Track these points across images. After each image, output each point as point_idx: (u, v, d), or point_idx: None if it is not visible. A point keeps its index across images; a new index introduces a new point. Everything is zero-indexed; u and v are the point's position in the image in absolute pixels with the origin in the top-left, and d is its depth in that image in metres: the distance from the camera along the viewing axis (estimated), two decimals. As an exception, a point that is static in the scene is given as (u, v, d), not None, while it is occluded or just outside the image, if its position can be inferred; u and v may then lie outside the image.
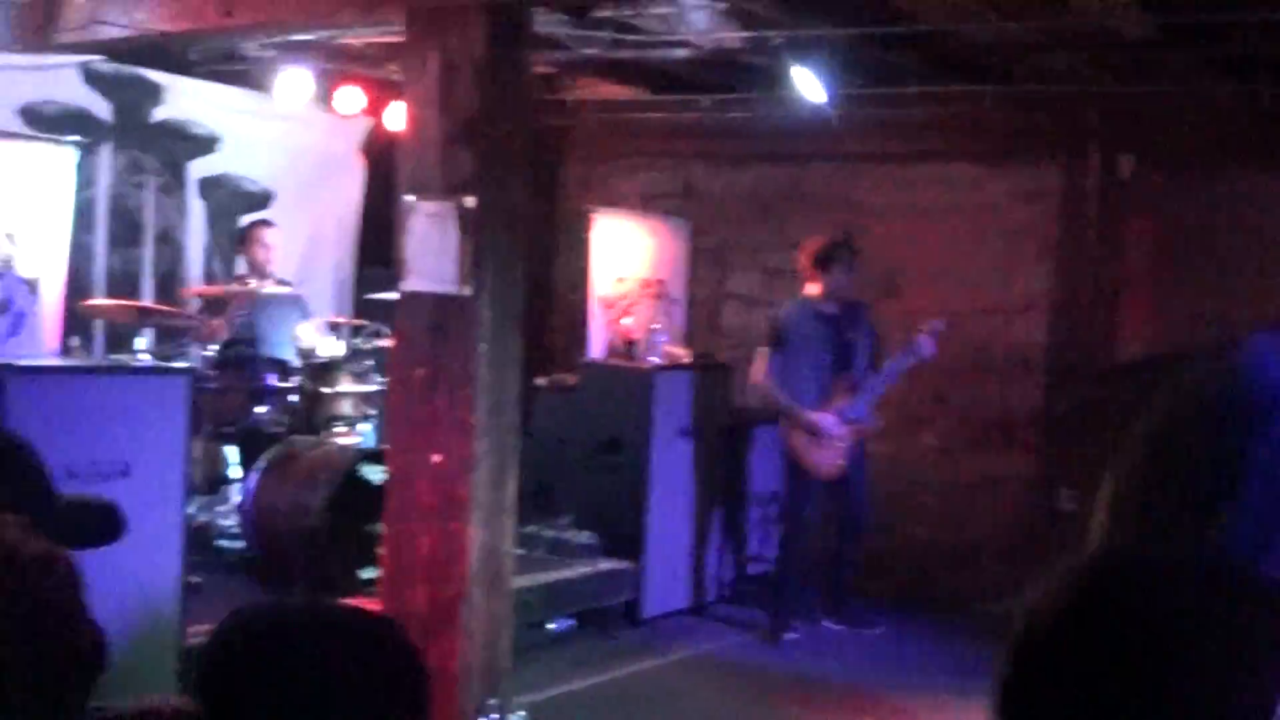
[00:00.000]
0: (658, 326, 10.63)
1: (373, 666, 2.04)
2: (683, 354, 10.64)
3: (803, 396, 9.53)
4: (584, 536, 9.68)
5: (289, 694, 1.95)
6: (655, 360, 10.19)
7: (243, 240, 10.31)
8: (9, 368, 6.76)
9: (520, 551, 8.02)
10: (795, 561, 9.69)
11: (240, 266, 10.46)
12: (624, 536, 9.64)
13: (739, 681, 8.71)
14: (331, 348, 9.65)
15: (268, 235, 10.24)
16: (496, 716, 6.72)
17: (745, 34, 8.99)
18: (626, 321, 11.13)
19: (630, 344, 10.70)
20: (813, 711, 8.26)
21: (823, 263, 9.60)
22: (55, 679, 1.13)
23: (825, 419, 9.51)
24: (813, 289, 9.64)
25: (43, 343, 8.12)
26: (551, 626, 9.07)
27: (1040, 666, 1.32)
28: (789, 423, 9.53)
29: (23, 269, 8.07)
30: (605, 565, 9.52)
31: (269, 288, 9.94)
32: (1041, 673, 1.32)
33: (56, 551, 1.17)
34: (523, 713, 6.91)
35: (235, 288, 10.08)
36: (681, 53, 9.52)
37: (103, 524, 2.86)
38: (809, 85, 9.48)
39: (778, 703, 8.36)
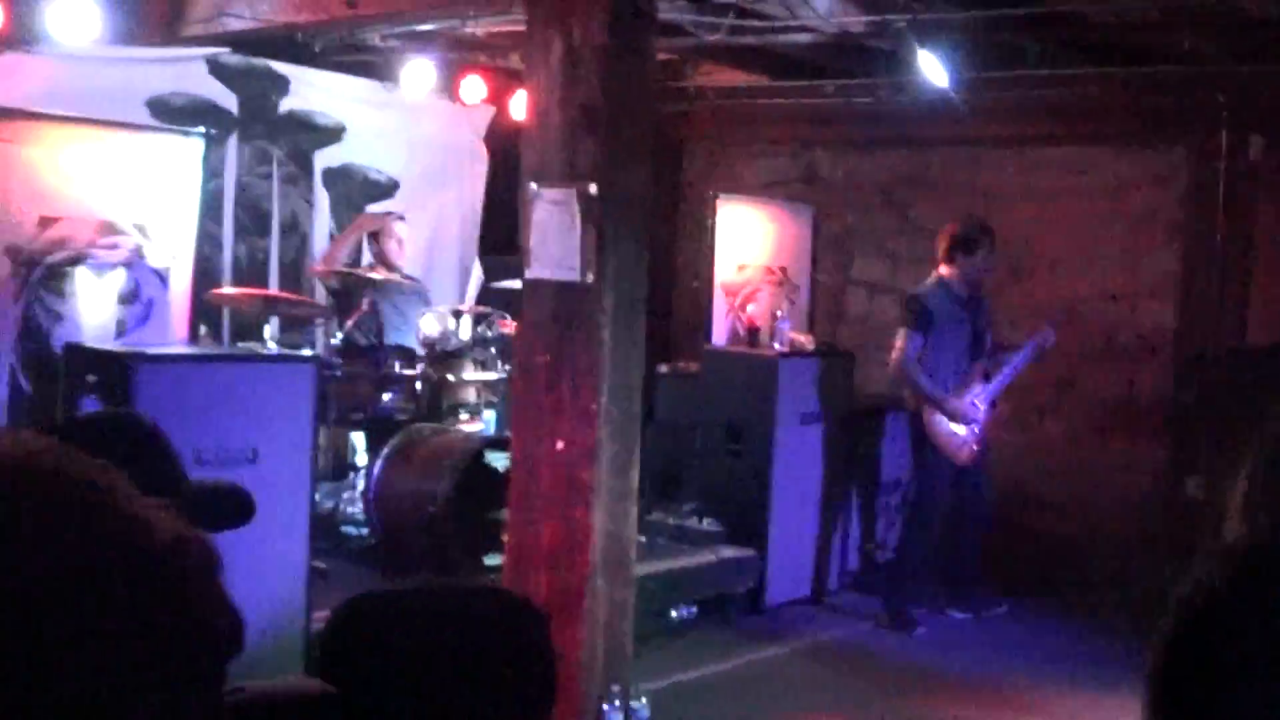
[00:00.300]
0: (781, 313, 10.58)
1: (503, 644, 2.05)
2: (806, 341, 10.59)
3: (942, 381, 9.45)
4: (707, 524, 9.67)
5: (420, 671, 1.96)
6: (778, 347, 10.15)
7: (374, 232, 10.36)
8: (139, 355, 6.87)
9: (642, 539, 8.03)
10: (919, 548, 9.63)
11: (367, 257, 10.54)
12: (747, 524, 9.62)
13: (861, 671, 8.67)
14: (460, 331, 9.74)
15: (400, 229, 10.30)
16: (619, 703, 6.74)
17: (869, 18, 8.94)
18: (750, 309, 11.12)
19: (753, 331, 10.67)
20: (937, 702, 8.19)
21: (965, 246, 9.50)
22: (192, 658, 1.15)
23: (967, 406, 9.45)
24: (946, 271, 9.55)
25: (172, 331, 8.25)
26: (674, 614, 9.07)
27: (1197, 659, 1.30)
28: (928, 408, 9.43)
29: (152, 259, 8.20)
30: (728, 553, 9.50)
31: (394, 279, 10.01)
32: (1199, 665, 1.30)
33: (193, 532, 1.18)
34: (644, 700, 6.92)
35: (362, 271, 10.16)
36: (804, 37, 9.48)
37: (232, 507, 2.90)
38: (933, 69, 9.39)
39: (901, 693, 8.31)
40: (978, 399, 9.54)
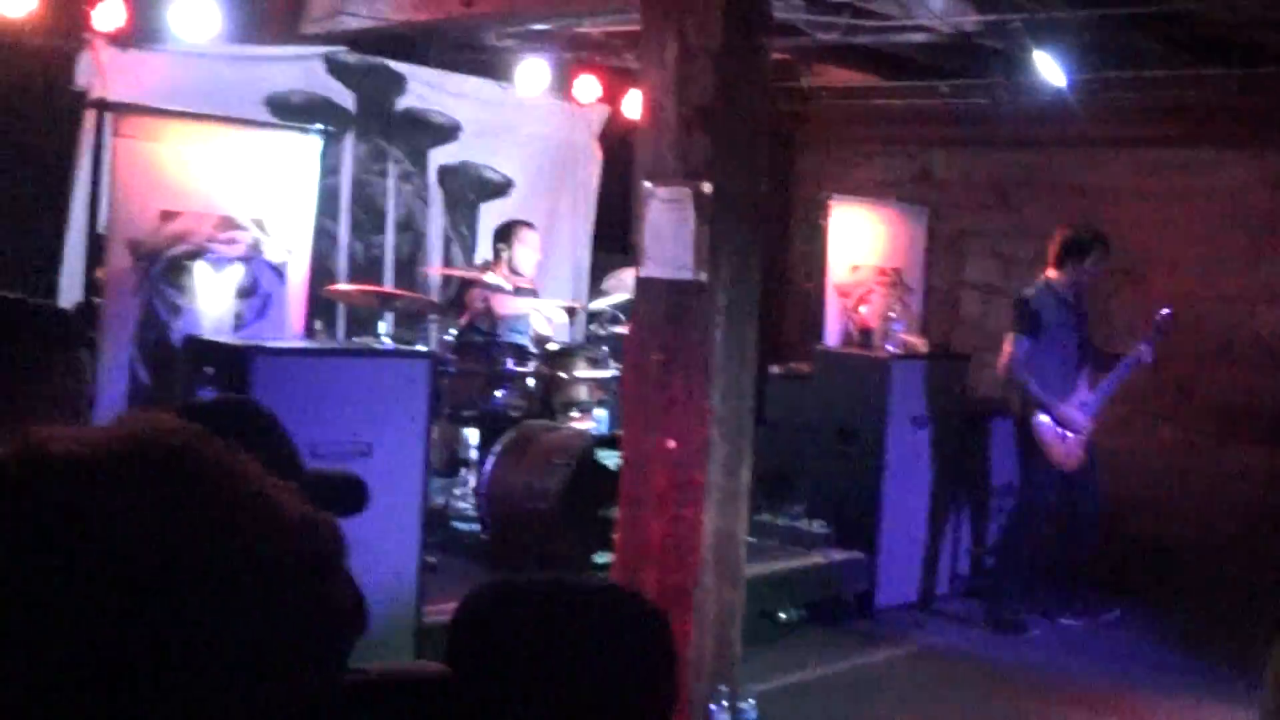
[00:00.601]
0: (894, 315, 10.52)
1: (628, 644, 2.05)
2: (919, 343, 10.53)
3: (1050, 385, 9.35)
4: (817, 526, 9.63)
5: (541, 661, 1.96)
6: (891, 349, 10.10)
7: (506, 238, 10.37)
8: (257, 349, 6.94)
9: (752, 540, 8.00)
10: (1021, 553, 9.54)
11: (486, 254, 10.59)
12: (857, 527, 9.57)
13: (971, 675, 8.60)
14: (539, 324, 9.79)
15: (533, 239, 10.32)
16: (726, 704, 6.71)
17: (984, 17, 8.86)
18: (862, 310, 11.05)
19: (866, 332, 10.62)
20: (1046, 708, 8.11)
21: (1077, 251, 9.41)
22: (317, 637, 1.16)
23: (1075, 410, 9.35)
24: (1054, 274, 9.46)
25: (288, 325, 8.31)
26: (782, 616, 9.04)
27: None
28: (1035, 412, 9.35)
29: (270, 254, 8.27)
30: (837, 555, 9.46)
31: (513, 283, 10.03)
32: None
33: (320, 514, 1.19)
34: (752, 701, 6.90)
35: (475, 272, 10.20)
36: (919, 37, 9.41)
37: (347, 496, 2.91)
38: (1048, 69, 9.30)
39: (1011, 698, 8.23)
40: (1084, 404, 9.44)
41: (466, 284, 10.16)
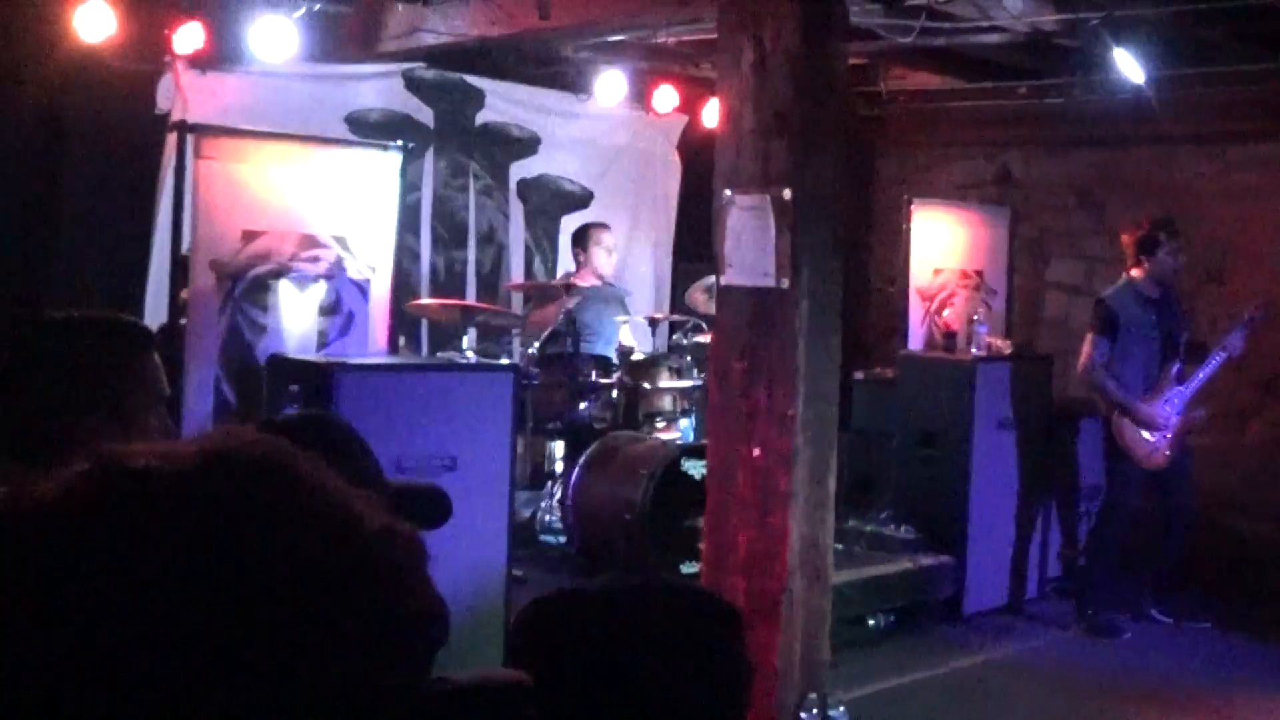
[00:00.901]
0: (977, 318, 10.44)
1: (697, 643, 2.03)
2: (1003, 345, 10.43)
3: (1131, 385, 9.25)
4: (904, 531, 9.56)
5: (612, 666, 1.94)
6: (975, 352, 10.03)
7: (582, 242, 10.40)
8: (341, 365, 6.96)
9: (839, 546, 7.96)
10: (1111, 554, 9.43)
11: (568, 265, 10.60)
12: (944, 531, 9.50)
13: (1062, 680, 8.48)
14: (625, 337, 9.78)
15: (609, 239, 10.34)
16: (816, 711, 6.68)
17: (1061, 16, 8.78)
18: (946, 313, 10.98)
19: (949, 336, 10.55)
20: (1140, 711, 8.00)
21: (1146, 246, 9.31)
22: (398, 646, 1.16)
23: (1158, 411, 9.23)
24: (1136, 273, 9.36)
25: (372, 341, 8.34)
26: (871, 622, 8.98)
27: None
28: (1118, 413, 9.25)
29: (353, 271, 8.30)
30: (925, 560, 9.38)
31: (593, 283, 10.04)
32: None
33: (400, 525, 1.19)
34: (842, 708, 6.86)
35: (558, 281, 10.22)
36: (995, 38, 9.33)
37: (430, 508, 2.91)
38: (1128, 66, 9.19)
39: (1105, 703, 8.12)
40: (1170, 403, 9.31)
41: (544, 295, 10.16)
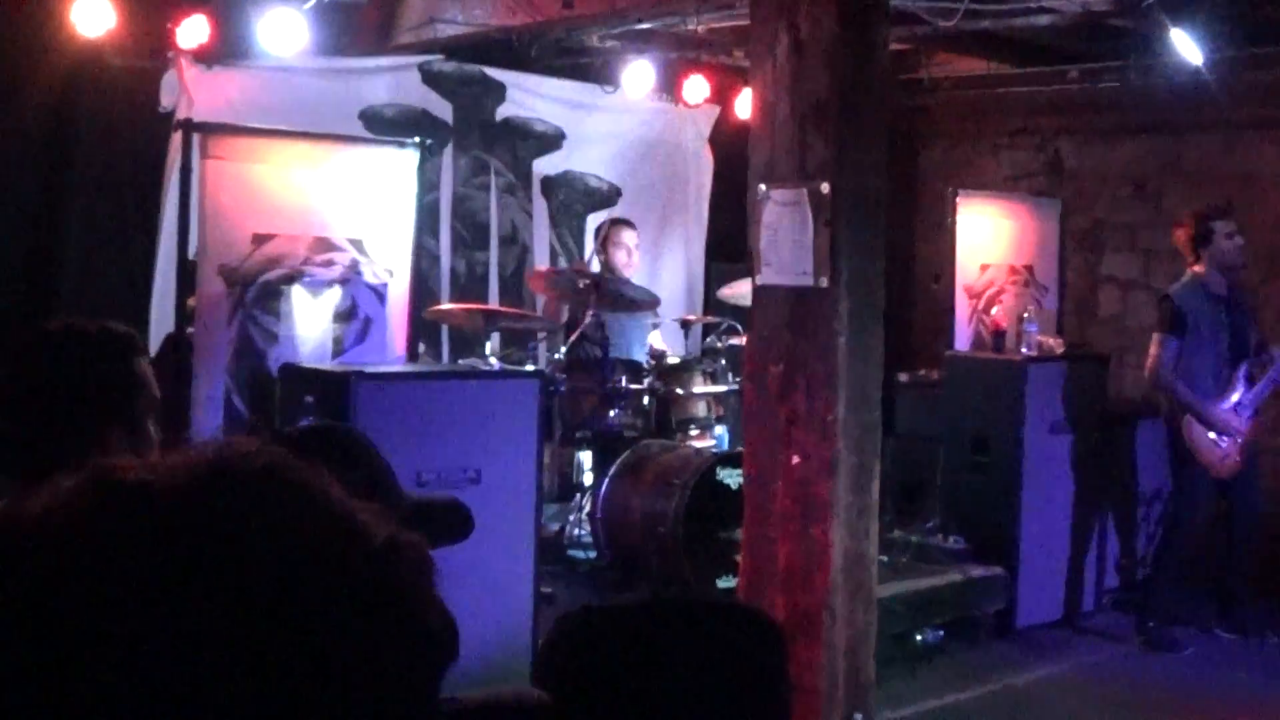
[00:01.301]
0: (1028, 315, 10.40)
1: (734, 662, 2.01)
2: (1055, 344, 10.40)
3: (1199, 387, 9.19)
4: (952, 541, 9.53)
5: (642, 687, 1.93)
6: (1026, 351, 9.99)
7: (601, 241, 10.40)
8: (358, 374, 6.98)
9: (884, 558, 7.94)
10: (1175, 565, 9.38)
11: (593, 267, 10.58)
12: (995, 541, 9.46)
13: (1123, 697, 8.45)
14: (681, 349, 9.74)
15: (629, 237, 10.32)
16: (863, 732, 6.66)
17: (1114, -4, 8.76)
18: (994, 311, 10.94)
19: (998, 335, 10.50)
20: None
21: (1200, 239, 9.24)
22: (404, 663, 1.16)
23: (1229, 414, 9.17)
24: (1199, 269, 9.29)
25: (390, 349, 8.34)
26: (919, 638, 8.95)
27: None
28: (1187, 416, 9.18)
29: (369, 275, 8.30)
30: (975, 572, 9.34)
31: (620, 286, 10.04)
32: None
33: (407, 536, 1.19)
34: (890, 728, 6.84)
35: (579, 267, 10.22)
36: (1045, 20, 9.30)
37: (450, 522, 2.91)
38: (1185, 47, 9.15)
39: (1168, 720, 8.10)
40: (1240, 405, 9.25)
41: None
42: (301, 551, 1.13)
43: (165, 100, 9.33)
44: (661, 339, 9.98)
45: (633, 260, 10.29)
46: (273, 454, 1.20)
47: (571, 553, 9.46)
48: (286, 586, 1.11)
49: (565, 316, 10.03)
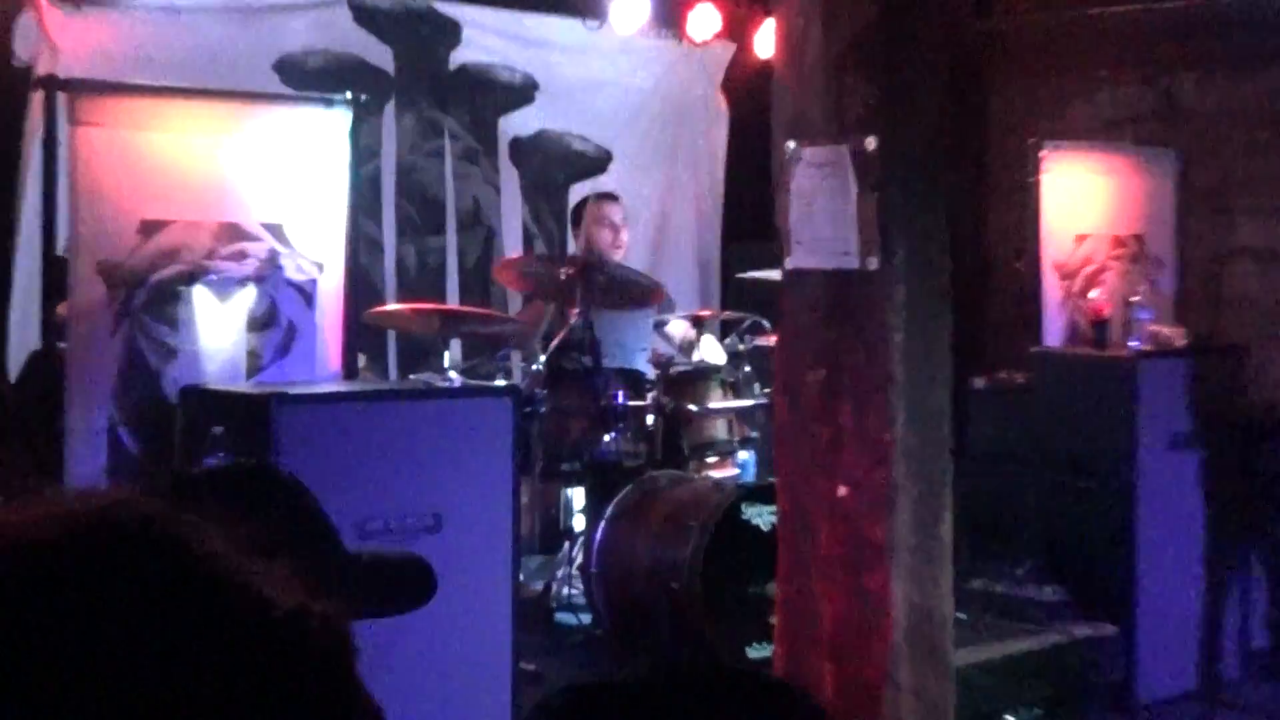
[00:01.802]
0: (1137, 299, 10.44)
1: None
2: (1175, 334, 10.44)
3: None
4: (1048, 592, 9.56)
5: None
6: (1137, 345, 10.02)
7: (578, 218, 10.40)
8: (281, 396, 7.00)
9: (961, 615, 7.96)
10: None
11: (573, 250, 10.59)
12: (1104, 590, 9.49)
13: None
14: (708, 351, 9.76)
15: (615, 212, 10.31)
16: (939, 838, 6.69)
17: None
18: (1094, 295, 10.97)
19: (1100, 325, 10.54)
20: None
21: None
22: None
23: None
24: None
25: (322, 363, 8.36)
26: (1010, 718, 8.99)
27: None
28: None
29: (291, 270, 8.31)
30: (1080, 631, 9.37)
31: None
32: None
33: (321, 606, 1.20)
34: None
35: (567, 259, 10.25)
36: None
37: (406, 583, 2.94)
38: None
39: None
40: None
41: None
42: (185, 627, 1.13)
43: (20, 51, 9.35)
44: (669, 339, 9.99)
45: (620, 239, 10.26)
46: (152, 507, 1.20)
47: (560, 617, 9.48)
48: (166, 670, 1.12)
49: (545, 317, 10.03)
